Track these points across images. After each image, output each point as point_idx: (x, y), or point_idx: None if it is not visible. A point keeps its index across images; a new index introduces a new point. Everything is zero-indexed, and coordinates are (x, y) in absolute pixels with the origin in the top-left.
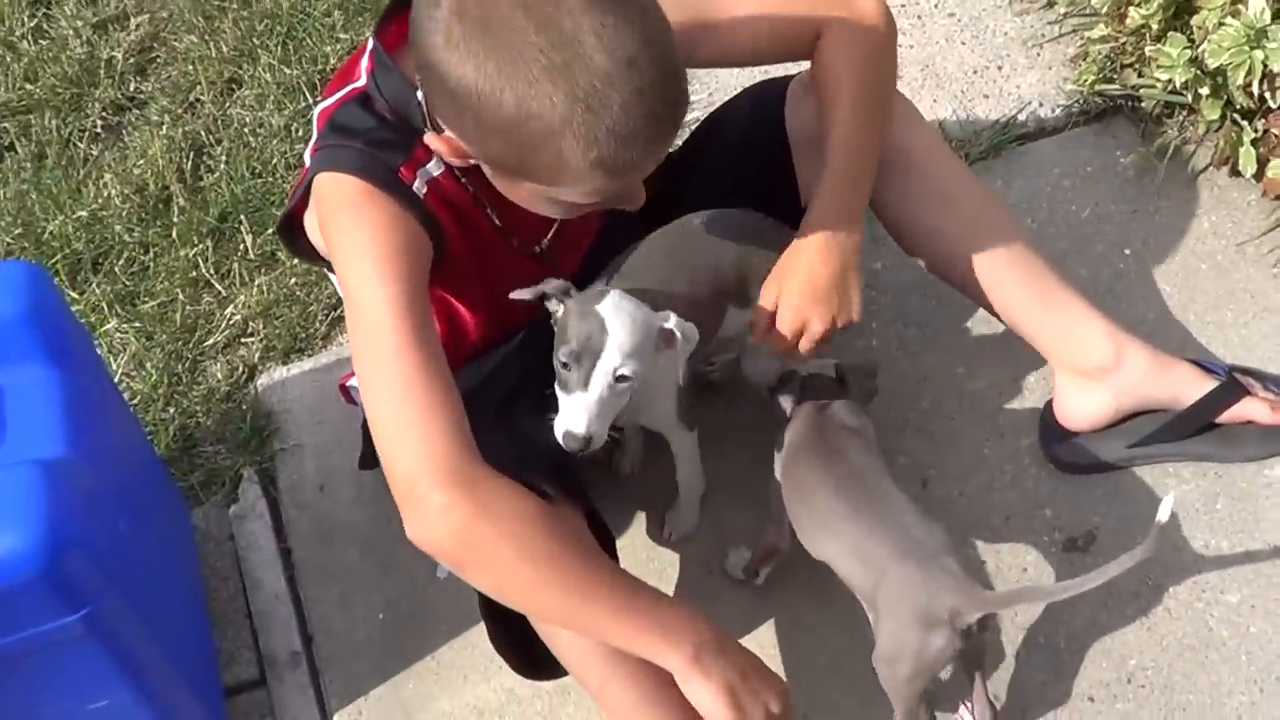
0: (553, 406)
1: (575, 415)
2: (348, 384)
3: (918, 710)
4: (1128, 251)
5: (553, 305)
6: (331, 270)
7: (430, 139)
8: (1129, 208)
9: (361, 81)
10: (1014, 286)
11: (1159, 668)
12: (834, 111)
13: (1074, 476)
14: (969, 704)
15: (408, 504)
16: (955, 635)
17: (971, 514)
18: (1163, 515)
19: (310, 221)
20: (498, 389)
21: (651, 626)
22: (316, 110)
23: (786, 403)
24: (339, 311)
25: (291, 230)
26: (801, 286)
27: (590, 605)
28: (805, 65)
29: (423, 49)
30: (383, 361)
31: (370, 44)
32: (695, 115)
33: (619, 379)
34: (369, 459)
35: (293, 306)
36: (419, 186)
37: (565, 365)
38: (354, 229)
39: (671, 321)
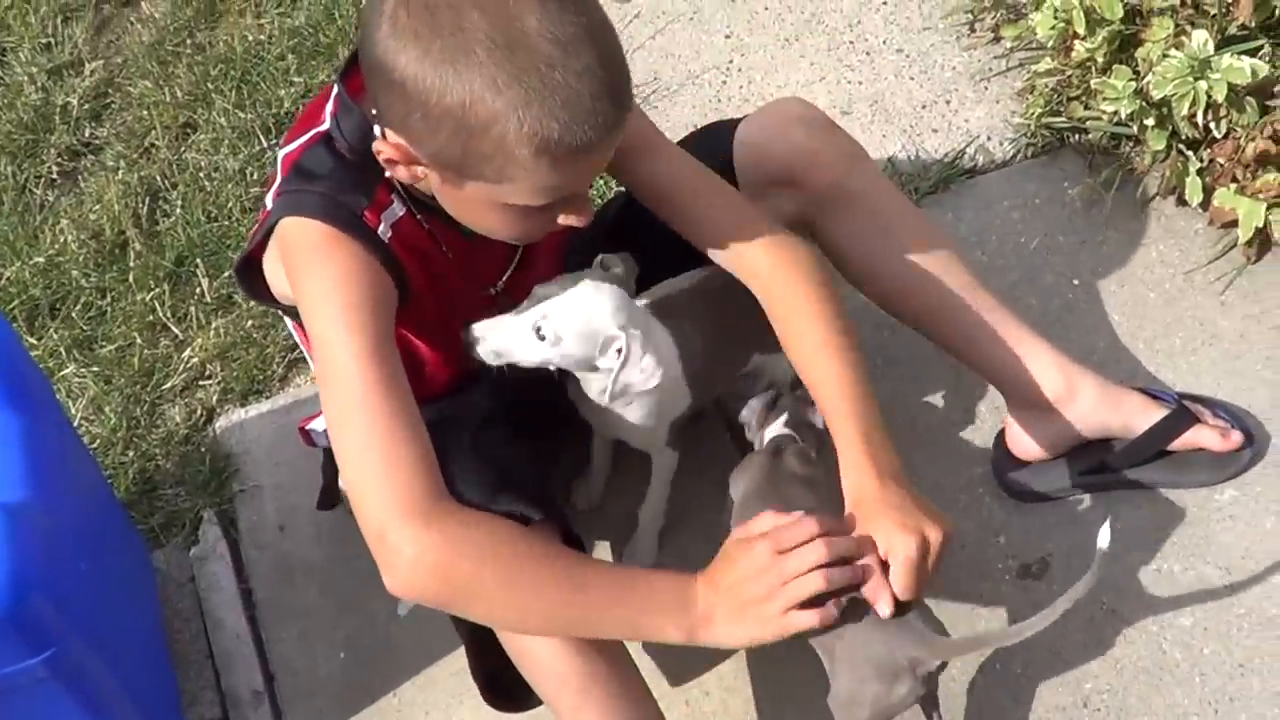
0: (537, 433)
1: (490, 323)
2: (307, 426)
3: None
4: (1076, 282)
5: None
6: (288, 314)
7: (379, 145)
8: (1077, 239)
9: (324, 125)
10: (962, 322)
11: (1114, 691)
12: (816, 359)
13: (1027, 505)
14: None
15: (380, 554)
16: (917, 683)
17: None
18: (1102, 542)
19: (270, 265)
20: (469, 418)
21: (650, 609)
22: (280, 155)
23: (757, 423)
24: (296, 354)
25: (249, 273)
26: (889, 512)
27: (584, 607)
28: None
29: (370, 46)
30: (350, 408)
31: (335, 89)
32: None
33: (537, 329)
34: (327, 499)
35: (250, 349)
36: (384, 230)
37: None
38: (320, 274)
39: (621, 341)
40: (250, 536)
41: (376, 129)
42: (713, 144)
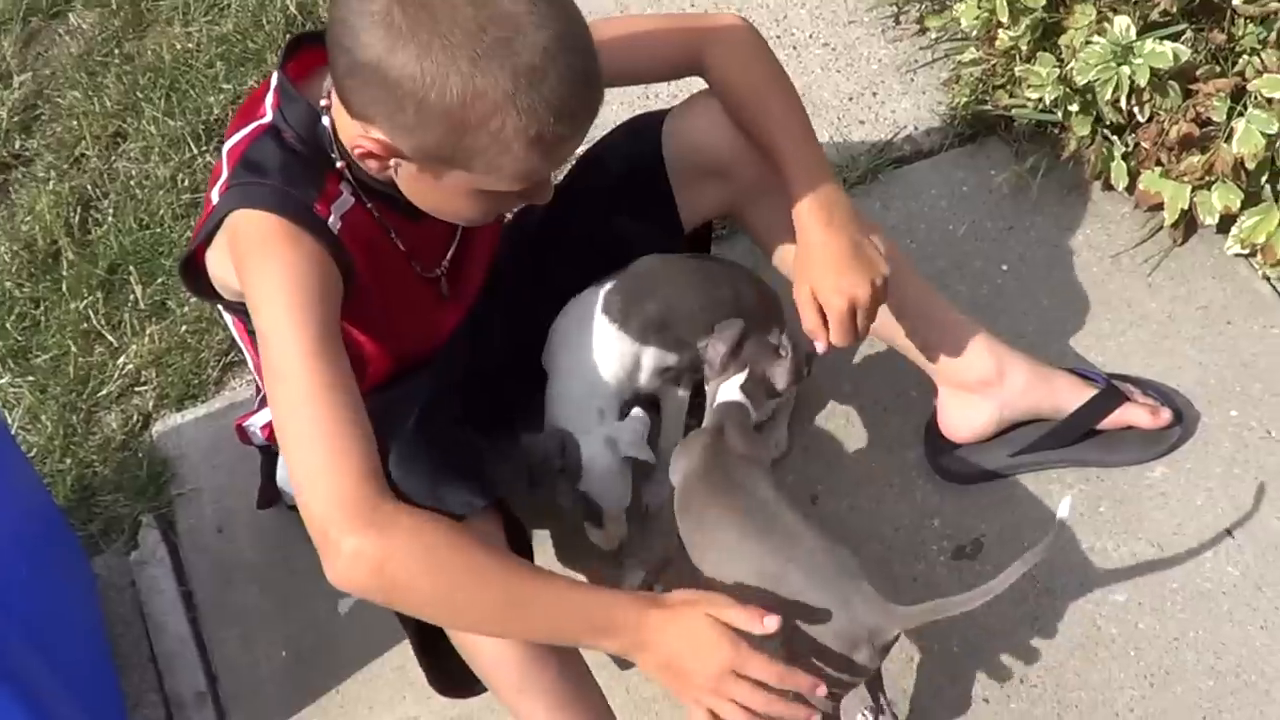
0: (475, 423)
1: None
2: (244, 424)
3: None
4: (1005, 267)
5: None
6: (231, 310)
7: (354, 139)
8: (1005, 225)
9: (268, 117)
10: (891, 306)
11: (1051, 667)
12: (764, 112)
13: (960, 487)
14: (866, 713)
15: (323, 549)
16: (875, 653)
17: (861, 527)
18: (1063, 512)
19: (216, 259)
20: (405, 415)
21: (588, 619)
22: (225, 148)
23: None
24: (231, 357)
25: (193, 270)
26: (827, 270)
27: (521, 611)
28: (678, 92)
29: (356, 48)
30: (296, 404)
31: (274, 79)
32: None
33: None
34: (266, 497)
35: (185, 354)
36: (334, 221)
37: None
38: (269, 269)
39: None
40: (189, 539)
41: (326, 121)
42: (640, 136)
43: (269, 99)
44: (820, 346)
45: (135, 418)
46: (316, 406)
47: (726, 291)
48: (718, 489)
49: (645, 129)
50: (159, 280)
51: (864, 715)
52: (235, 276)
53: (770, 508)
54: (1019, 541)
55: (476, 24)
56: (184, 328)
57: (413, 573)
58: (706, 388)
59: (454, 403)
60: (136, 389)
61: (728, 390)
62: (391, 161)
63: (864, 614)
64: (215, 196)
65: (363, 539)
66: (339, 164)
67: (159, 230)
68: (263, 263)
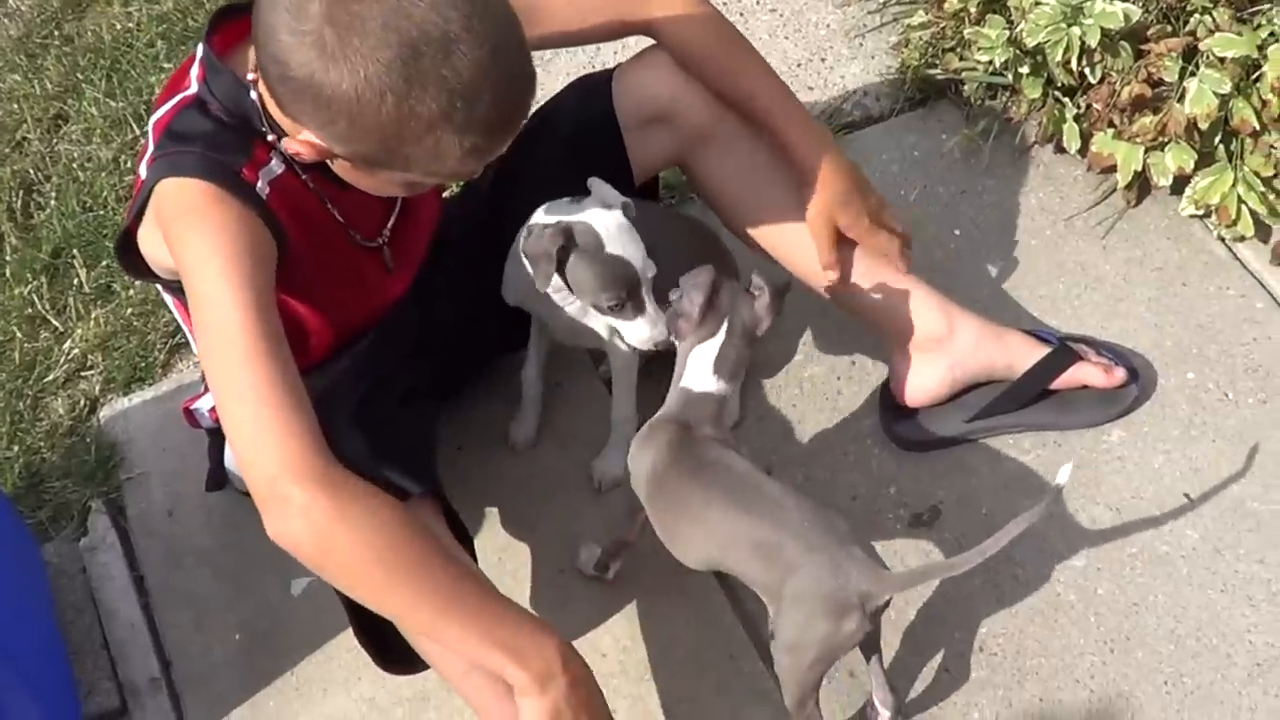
0: (419, 403)
1: (650, 329)
2: (192, 407)
3: (810, 698)
4: (958, 232)
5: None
6: (169, 289)
7: (288, 144)
8: (957, 189)
9: (193, 89)
10: (841, 265)
11: (1010, 634)
12: (734, 69)
13: (916, 454)
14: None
15: (269, 502)
16: (865, 619)
17: (818, 497)
18: (1061, 478)
19: (148, 235)
20: (349, 392)
21: (500, 642)
22: (151, 122)
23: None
24: (177, 339)
25: (129, 250)
26: (853, 193)
27: (442, 616)
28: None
29: (291, 65)
30: (235, 364)
31: (199, 51)
32: None
33: (652, 278)
34: (215, 479)
35: (130, 337)
36: (262, 187)
37: (613, 307)
38: (199, 234)
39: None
40: (139, 524)
41: (254, 95)
42: (589, 93)
43: (194, 71)
44: (904, 267)
45: (82, 403)
46: (256, 366)
47: (687, 234)
48: (690, 472)
49: (594, 88)
50: (103, 263)
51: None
52: (168, 251)
53: (751, 478)
54: (977, 508)
55: (410, 46)
56: (129, 311)
57: (358, 545)
58: (679, 345)
59: (400, 379)
60: (83, 374)
61: (700, 365)
62: (328, 159)
63: (856, 579)
64: (143, 171)
65: (314, 495)
66: (269, 136)
67: (102, 213)
68: (192, 228)
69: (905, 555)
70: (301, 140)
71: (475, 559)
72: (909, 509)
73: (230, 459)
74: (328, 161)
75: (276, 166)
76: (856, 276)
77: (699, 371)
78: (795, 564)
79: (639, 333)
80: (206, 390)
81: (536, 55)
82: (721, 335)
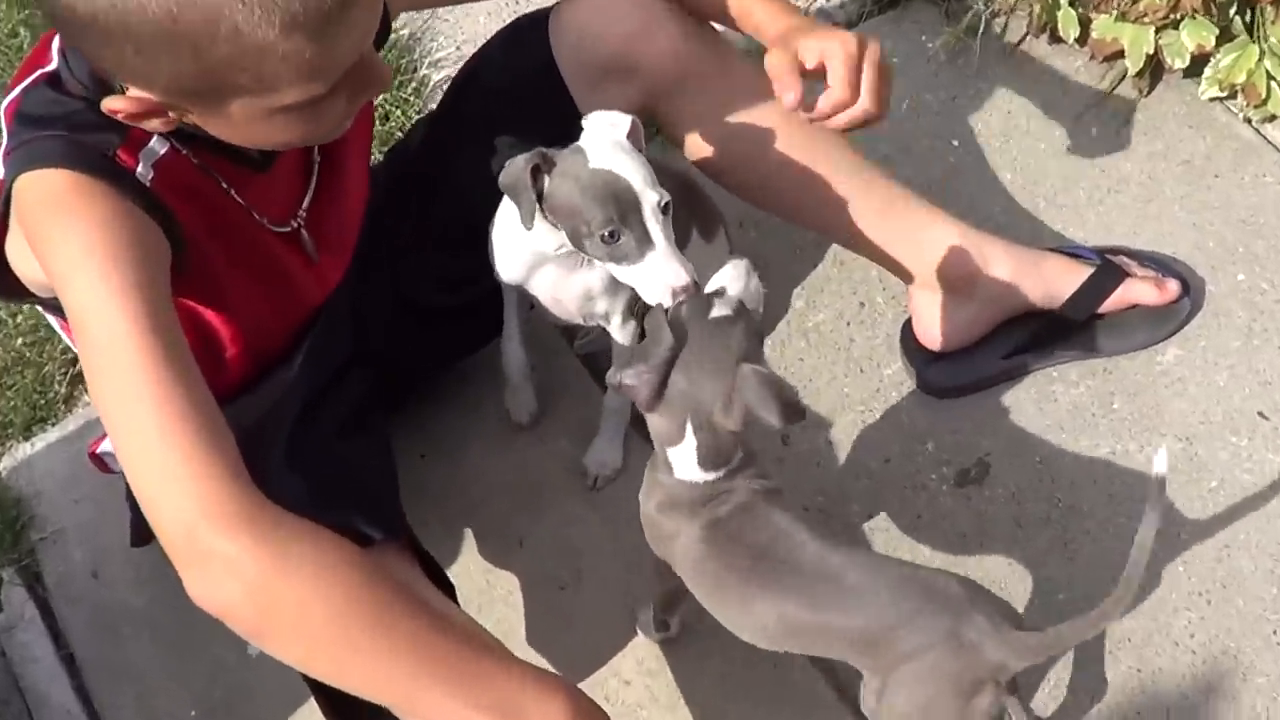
0: (368, 425)
1: (666, 272)
2: (98, 450)
3: None
4: (956, 143)
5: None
6: (49, 310)
7: (110, 105)
8: (947, 95)
9: (53, 64)
10: (845, 201)
11: (1091, 596)
12: None
13: (950, 402)
14: None
15: (189, 559)
16: (1000, 691)
17: (844, 463)
18: (1159, 468)
19: (14, 246)
20: (279, 420)
21: (493, 708)
22: (0, 108)
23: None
24: (78, 368)
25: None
26: (815, 28)
27: (417, 681)
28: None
29: (58, 4)
30: (128, 389)
31: None
32: (447, 73)
33: (665, 208)
34: (141, 532)
35: (25, 371)
36: (143, 171)
37: (610, 238)
38: (70, 233)
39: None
40: (61, 591)
41: None
42: (521, 42)
43: (55, 43)
44: (791, 100)
45: None
46: (157, 391)
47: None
48: (741, 572)
49: (526, 32)
50: None
51: None
52: (35, 257)
53: (822, 565)
54: (1030, 455)
55: None
56: (19, 340)
57: (305, 600)
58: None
59: (343, 396)
60: None
61: (683, 464)
62: (171, 116)
63: (984, 651)
64: (0, 170)
65: (244, 544)
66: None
67: None
68: (60, 228)
69: (959, 520)
70: (128, 98)
71: (455, 599)
72: (953, 466)
73: None
74: (184, 123)
75: (158, 145)
76: (862, 213)
77: (686, 469)
78: (910, 653)
79: (653, 278)
80: None
81: None
82: (689, 437)
